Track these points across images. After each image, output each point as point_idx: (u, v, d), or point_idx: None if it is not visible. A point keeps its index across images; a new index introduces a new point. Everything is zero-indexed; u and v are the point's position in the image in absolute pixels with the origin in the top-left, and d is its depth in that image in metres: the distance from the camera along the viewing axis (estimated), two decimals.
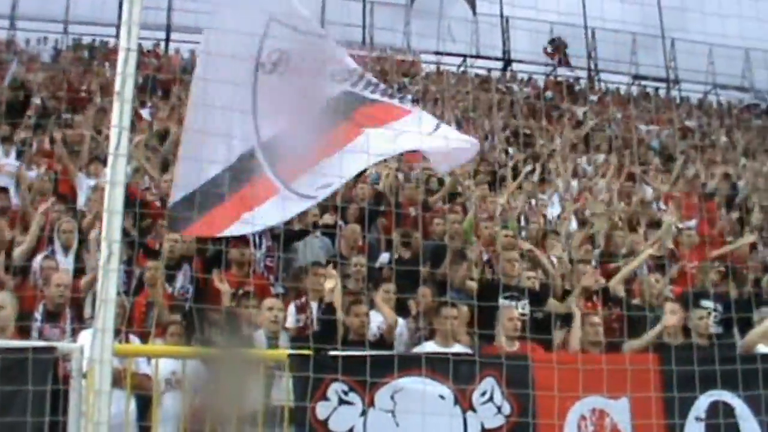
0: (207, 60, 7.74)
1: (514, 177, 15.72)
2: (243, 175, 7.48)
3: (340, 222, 11.99)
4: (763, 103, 32.89)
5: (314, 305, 9.89)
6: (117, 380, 6.31)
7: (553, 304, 10.26)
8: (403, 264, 10.63)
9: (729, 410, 7.74)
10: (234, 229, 7.69)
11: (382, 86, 8.22)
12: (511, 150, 19.54)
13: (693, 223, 14.89)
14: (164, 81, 22.77)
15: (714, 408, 7.70)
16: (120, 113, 5.83)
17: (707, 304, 11.14)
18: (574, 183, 17.23)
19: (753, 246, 14.20)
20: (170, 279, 10.29)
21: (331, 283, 9.82)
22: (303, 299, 9.97)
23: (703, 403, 7.68)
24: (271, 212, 7.56)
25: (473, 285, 10.50)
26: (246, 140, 7.62)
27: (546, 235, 12.88)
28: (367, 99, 7.96)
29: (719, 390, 7.74)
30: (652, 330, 9.26)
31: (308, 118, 7.72)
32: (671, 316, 9.50)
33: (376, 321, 9.69)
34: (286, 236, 10.99)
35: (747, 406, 7.76)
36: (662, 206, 16.31)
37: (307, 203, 8.03)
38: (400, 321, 9.73)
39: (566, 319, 9.79)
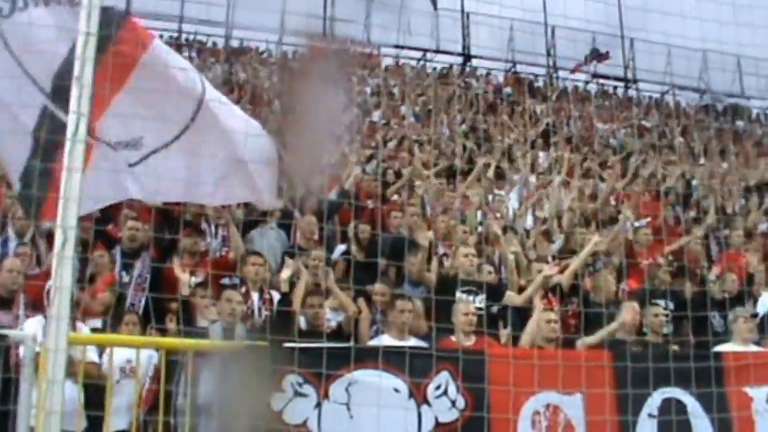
0: None
1: (471, 172, 15.77)
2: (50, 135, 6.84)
3: (297, 214, 11.93)
4: (720, 104, 33.16)
5: (255, 295, 9.84)
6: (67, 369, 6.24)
7: (510, 299, 10.28)
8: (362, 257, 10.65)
9: (681, 407, 7.79)
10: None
11: None
12: (468, 145, 19.55)
13: (645, 221, 15.00)
14: None
15: (667, 405, 7.74)
16: (78, 99, 5.75)
17: (660, 303, 11.26)
18: (532, 179, 17.29)
19: (706, 243, 14.35)
20: (128, 267, 10.19)
21: (286, 273, 9.80)
22: (244, 288, 9.85)
23: (656, 400, 7.72)
24: (102, 185, 7.17)
25: (432, 277, 10.51)
26: (33, 104, 7.12)
27: (504, 230, 12.89)
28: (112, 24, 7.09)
29: (672, 387, 7.79)
30: (608, 327, 9.30)
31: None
32: (627, 313, 9.55)
33: (333, 313, 9.69)
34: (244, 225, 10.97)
35: (699, 404, 7.82)
36: (618, 204, 16.38)
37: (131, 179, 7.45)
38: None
39: (522, 315, 9.82)
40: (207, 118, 7.29)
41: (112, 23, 6.79)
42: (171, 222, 10.02)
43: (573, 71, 33.32)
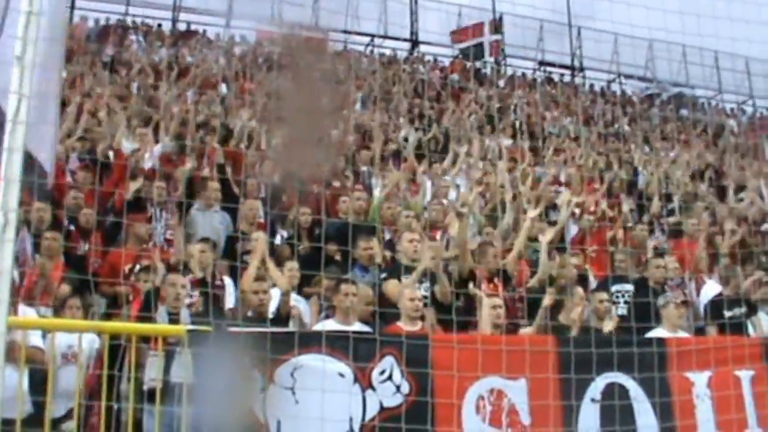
0: None
1: (417, 157, 15.77)
2: None
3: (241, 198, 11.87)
4: (665, 93, 33.44)
5: (208, 282, 9.66)
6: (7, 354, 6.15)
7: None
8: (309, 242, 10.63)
9: (624, 392, 7.89)
10: None
11: None
12: (414, 130, 19.56)
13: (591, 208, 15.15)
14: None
15: (609, 390, 7.83)
16: (20, 80, 5.65)
17: (624, 287, 11.40)
18: (479, 165, 17.33)
19: (651, 230, 14.49)
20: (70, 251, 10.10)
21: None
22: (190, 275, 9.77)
23: (599, 384, 7.81)
24: None
25: (379, 262, 10.52)
26: None
27: (458, 217, 12.91)
28: None
29: (615, 372, 7.88)
30: (538, 314, 9.32)
31: None
32: (549, 298, 9.54)
33: (276, 298, 9.66)
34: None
35: (641, 389, 7.92)
36: (562, 190, 16.47)
37: None
38: (302, 300, 9.73)
39: (468, 302, 9.84)
40: None
41: None
42: (115, 206, 9.95)
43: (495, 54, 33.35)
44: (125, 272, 9.63)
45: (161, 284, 8.82)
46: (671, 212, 15.77)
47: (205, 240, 10.32)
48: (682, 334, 9.57)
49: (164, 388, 7.05)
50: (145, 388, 7.41)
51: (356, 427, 7.13)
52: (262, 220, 11.44)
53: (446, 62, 32.80)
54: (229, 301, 9.86)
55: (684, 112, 31.14)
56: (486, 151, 18.67)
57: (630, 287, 11.59)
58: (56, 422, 7.35)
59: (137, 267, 9.66)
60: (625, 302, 11.45)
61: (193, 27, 30.43)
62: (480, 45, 32.59)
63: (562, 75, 34.32)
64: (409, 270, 10.05)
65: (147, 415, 7.36)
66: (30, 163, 6.61)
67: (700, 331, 10.70)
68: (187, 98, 18.51)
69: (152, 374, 7.35)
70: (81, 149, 13.16)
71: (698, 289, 12.39)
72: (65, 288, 9.06)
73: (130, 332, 7.18)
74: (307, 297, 10.07)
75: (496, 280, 10.51)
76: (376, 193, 13.10)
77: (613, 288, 11.38)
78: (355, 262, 10.34)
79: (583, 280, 11.09)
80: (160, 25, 29.52)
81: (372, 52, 32.44)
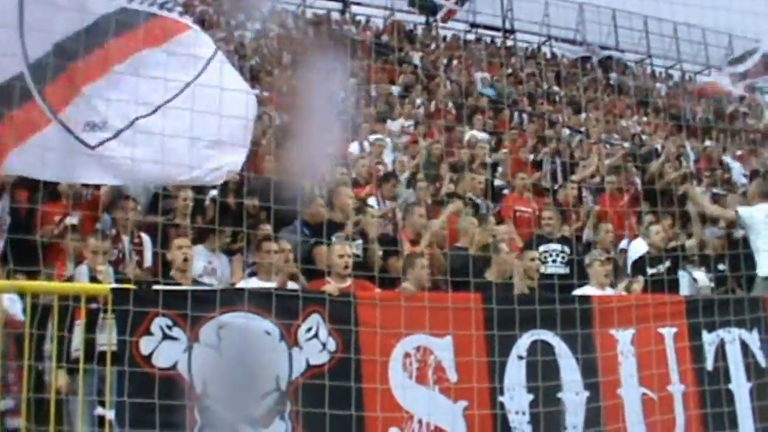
0: None
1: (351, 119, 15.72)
2: (14, 98, 7.08)
3: None
4: (595, 56, 33.61)
5: (126, 239, 9.69)
6: None
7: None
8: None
9: (549, 349, 7.97)
10: (10, 165, 7.38)
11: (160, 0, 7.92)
12: (347, 92, 19.45)
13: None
14: None
15: (534, 346, 7.91)
16: None
17: (553, 247, 11.49)
18: (409, 124, 17.37)
19: (579, 194, 14.62)
20: None
21: None
22: (113, 231, 9.70)
23: (524, 341, 7.87)
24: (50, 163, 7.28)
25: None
26: (14, 60, 7.16)
27: (386, 177, 12.93)
28: (142, 15, 7.66)
29: (540, 329, 7.94)
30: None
31: (78, 34, 7.30)
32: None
33: (203, 258, 9.59)
34: None
35: (566, 345, 8.01)
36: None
37: (88, 168, 7.70)
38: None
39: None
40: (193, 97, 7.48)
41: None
42: None
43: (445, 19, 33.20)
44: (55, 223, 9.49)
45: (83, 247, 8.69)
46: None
47: (128, 197, 10.17)
48: (610, 292, 9.66)
49: (86, 354, 6.92)
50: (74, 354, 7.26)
51: (283, 385, 7.10)
52: None
53: (380, 24, 32.59)
54: (147, 259, 9.76)
55: (613, 75, 31.34)
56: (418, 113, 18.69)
57: (557, 247, 11.70)
58: None
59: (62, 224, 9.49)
60: (553, 261, 11.58)
61: None
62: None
63: (492, 37, 34.30)
64: (340, 226, 10.01)
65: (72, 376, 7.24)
66: None
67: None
68: None
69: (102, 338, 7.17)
70: None
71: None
72: None
73: (52, 292, 7.05)
74: (231, 254, 10.01)
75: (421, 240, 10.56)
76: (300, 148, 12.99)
77: (540, 248, 11.49)
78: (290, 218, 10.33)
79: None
80: None
81: (303, 12, 32.12)
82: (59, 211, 9.67)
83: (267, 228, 9.55)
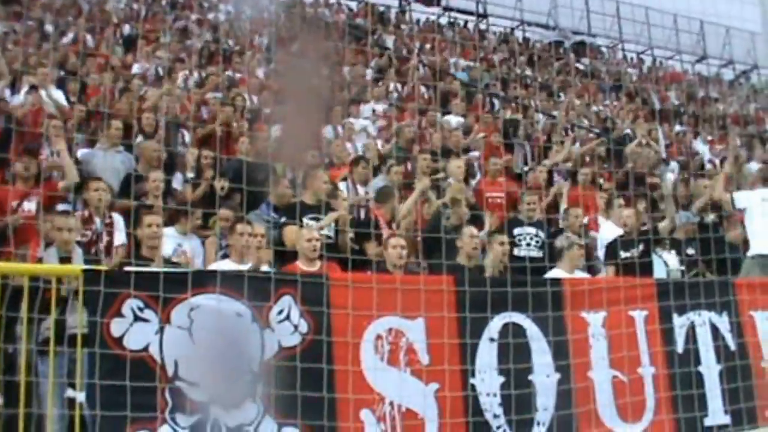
0: None
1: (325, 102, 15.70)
2: None
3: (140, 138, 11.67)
4: (566, 41, 33.67)
5: (98, 220, 9.62)
6: None
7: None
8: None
9: (520, 331, 7.99)
10: None
11: None
12: (320, 75, 19.39)
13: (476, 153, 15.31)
14: None
15: (506, 329, 7.92)
16: None
17: (528, 230, 11.53)
18: (380, 108, 17.37)
19: (550, 177, 14.67)
20: None
21: None
22: (85, 212, 9.65)
23: (496, 324, 7.88)
24: None
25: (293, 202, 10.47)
26: None
27: (357, 161, 12.93)
28: None
29: (511, 312, 7.96)
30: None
31: None
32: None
33: (174, 240, 9.57)
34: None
35: (537, 328, 8.03)
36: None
37: None
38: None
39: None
40: None
41: None
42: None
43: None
44: (13, 207, 9.43)
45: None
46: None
47: (98, 179, 10.11)
48: (579, 275, 9.71)
49: (57, 337, 6.88)
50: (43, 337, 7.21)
51: (254, 367, 7.07)
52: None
53: (353, 6, 32.48)
54: (118, 239, 9.71)
55: (585, 60, 31.41)
56: (389, 96, 18.67)
57: (532, 230, 11.75)
58: None
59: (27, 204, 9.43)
60: (527, 244, 11.63)
61: None
62: None
63: (466, 21, 34.27)
64: (312, 208, 10.01)
65: (42, 366, 7.18)
66: None
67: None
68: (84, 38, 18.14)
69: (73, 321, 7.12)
70: None
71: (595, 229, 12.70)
72: None
73: (22, 273, 6.99)
74: (204, 237, 10.00)
75: (394, 224, 10.59)
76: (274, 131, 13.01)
77: (515, 231, 11.55)
78: (262, 200, 10.31)
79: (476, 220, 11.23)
80: None
81: None
82: (20, 192, 9.63)
83: (229, 212, 9.60)
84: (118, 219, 9.81)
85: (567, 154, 15.60)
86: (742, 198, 11.62)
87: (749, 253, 11.47)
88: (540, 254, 11.20)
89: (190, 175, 11.82)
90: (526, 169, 15.18)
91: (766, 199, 11.48)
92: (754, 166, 17.10)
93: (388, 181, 12.50)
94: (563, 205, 12.89)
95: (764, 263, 11.17)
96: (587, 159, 16.07)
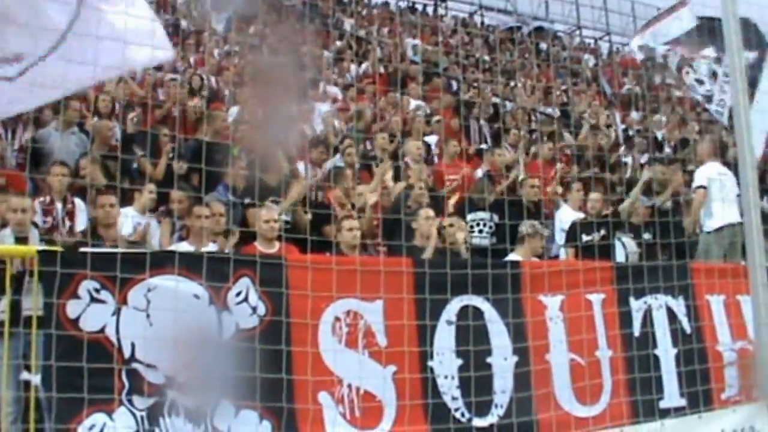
0: None
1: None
2: None
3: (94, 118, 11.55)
4: (525, 26, 33.76)
5: (59, 205, 9.53)
6: None
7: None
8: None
9: (479, 314, 7.99)
10: None
11: None
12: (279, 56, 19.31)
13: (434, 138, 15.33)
14: None
15: (464, 312, 7.92)
16: None
17: (481, 215, 11.53)
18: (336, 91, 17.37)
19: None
20: None
21: None
22: (47, 198, 9.55)
23: (454, 306, 7.88)
24: None
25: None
26: None
27: (314, 143, 12.93)
28: None
29: (470, 295, 7.96)
30: None
31: None
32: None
33: (132, 220, 9.47)
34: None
35: (495, 310, 8.04)
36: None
37: None
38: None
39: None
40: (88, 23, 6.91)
41: None
42: None
43: None
44: None
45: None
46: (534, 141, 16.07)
47: (62, 163, 9.99)
48: (534, 259, 9.77)
49: (11, 320, 6.80)
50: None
51: (212, 348, 7.02)
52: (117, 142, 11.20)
53: None
54: (80, 223, 9.58)
55: (543, 46, 31.52)
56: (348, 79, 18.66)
57: (485, 215, 11.75)
58: None
59: None
60: (480, 231, 11.64)
61: None
62: None
63: (424, 5, 34.25)
64: (272, 191, 9.96)
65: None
66: None
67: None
68: None
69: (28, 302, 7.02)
70: None
71: (551, 213, 12.73)
72: None
73: None
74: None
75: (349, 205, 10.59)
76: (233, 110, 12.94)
77: (469, 217, 11.54)
78: (220, 181, 10.25)
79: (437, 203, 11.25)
80: None
81: None
82: None
83: (182, 194, 9.55)
84: (79, 203, 9.70)
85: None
86: (701, 175, 11.67)
87: (705, 229, 11.55)
88: (491, 242, 11.25)
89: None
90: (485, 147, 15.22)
91: (721, 173, 11.55)
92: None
93: (341, 161, 12.49)
94: (521, 175, 12.94)
95: (721, 238, 11.27)
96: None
